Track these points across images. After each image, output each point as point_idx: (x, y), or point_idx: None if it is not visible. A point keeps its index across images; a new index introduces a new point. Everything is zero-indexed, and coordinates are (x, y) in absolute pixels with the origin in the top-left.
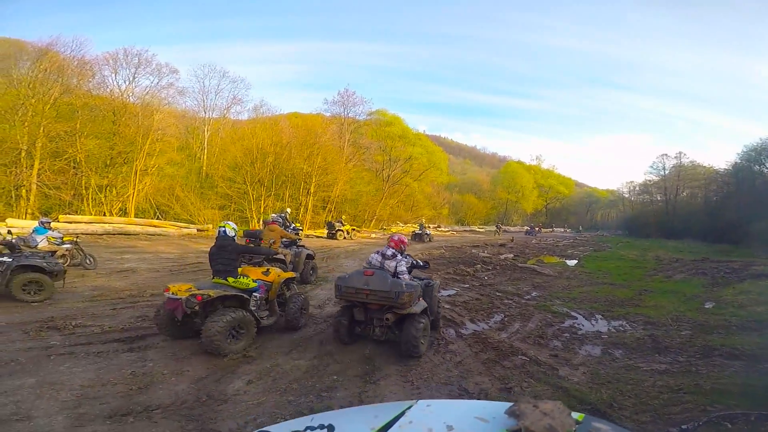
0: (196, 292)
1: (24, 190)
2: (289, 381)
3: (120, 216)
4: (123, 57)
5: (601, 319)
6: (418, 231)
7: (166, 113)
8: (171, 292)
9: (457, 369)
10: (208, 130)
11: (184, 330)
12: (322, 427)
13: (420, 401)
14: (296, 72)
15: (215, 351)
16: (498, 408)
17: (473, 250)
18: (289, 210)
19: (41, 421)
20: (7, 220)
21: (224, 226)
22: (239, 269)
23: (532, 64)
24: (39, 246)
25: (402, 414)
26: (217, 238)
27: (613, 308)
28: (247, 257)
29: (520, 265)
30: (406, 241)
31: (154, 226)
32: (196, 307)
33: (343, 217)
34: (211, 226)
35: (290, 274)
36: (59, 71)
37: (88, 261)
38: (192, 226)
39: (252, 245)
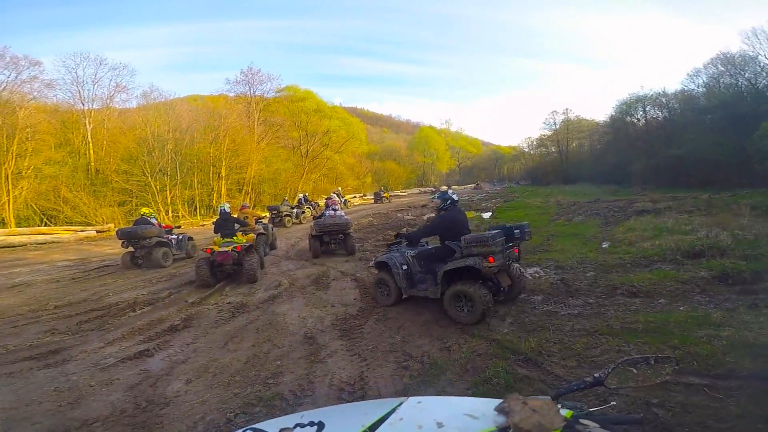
0: (235, 242)
1: None
2: (230, 374)
3: None
4: None
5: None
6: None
7: (34, 109)
8: (216, 250)
9: (399, 335)
10: (90, 123)
11: (216, 277)
12: (312, 424)
13: (411, 398)
14: (191, 54)
15: (254, 279)
16: (488, 405)
17: (398, 215)
18: (340, 189)
19: None
20: None
21: (224, 205)
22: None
23: (435, 31)
24: None
25: (392, 411)
26: (220, 214)
27: (527, 255)
28: (237, 228)
29: None
30: (337, 201)
31: (43, 234)
32: (235, 255)
33: (384, 186)
34: (112, 225)
35: (252, 238)
36: None
37: None
38: (89, 228)
39: (242, 220)
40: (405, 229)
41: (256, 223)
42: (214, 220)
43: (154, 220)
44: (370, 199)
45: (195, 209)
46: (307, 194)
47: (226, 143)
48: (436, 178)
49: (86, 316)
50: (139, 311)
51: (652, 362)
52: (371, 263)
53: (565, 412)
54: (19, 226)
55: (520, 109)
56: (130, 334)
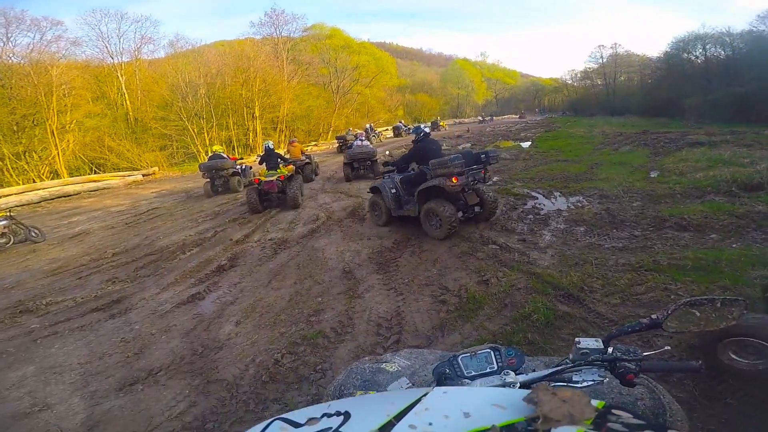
0: (277, 173)
1: None
2: (275, 313)
3: (52, 179)
4: None
5: (559, 196)
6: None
7: (65, 67)
8: (264, 179)
9: (435, 267)
10: (122, 75)
11: (263, 204)
12: (338, 413)
13: (437, 388)
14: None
15: (297, 203)
16: (516, 395)
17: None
18: (371, 123)
19: (60, 407)
20: None
21: (268, 142)
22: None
23: None
24: None
25: (418, 401)
26: (265, 149)
27: (569, 184)
28: (281, 161)
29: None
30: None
31: (95, 181)
32: (279, 184)
33: (439, 117)
34: (157, 168)
35: (291, 169)
36: None
37: (33, 233)
38: (135, 172)
39: (283, 155)
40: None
41: (302, 155)
42: (259, 154)
43: (226, 157)
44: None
45: (233, 148)
46: (372, 124)
47: (257, 84)
48: (472, 109)
49: (141, 261)
50: (188, 253)
51: (719, 305)
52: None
53: (596, 403)
54: (71, 176)
55: (560, 42)
56: (182, 277)
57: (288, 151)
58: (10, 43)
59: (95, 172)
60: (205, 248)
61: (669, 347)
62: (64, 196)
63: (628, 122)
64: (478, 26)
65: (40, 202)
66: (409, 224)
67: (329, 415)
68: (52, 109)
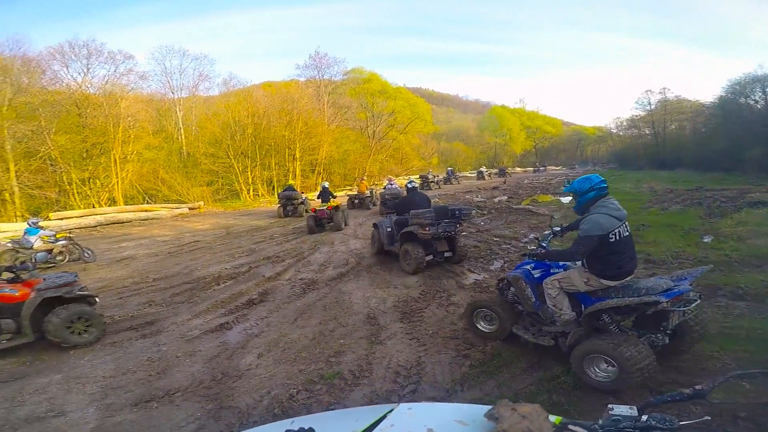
0: (326, 205)
1: (7, 194)
2: (297, 350)
3: (109, 205)
4: (69, 50)
5: None
6: (446, 176)
7: (132, 99)
8: (317, 208)
9: (461, 321)
10: (180, 110)
11: (318, 228)
12: (302, 430)
13: (401, 405)
14: (262, 42)
15: (340, 227)
16: (478, 411)
17: (467, 196)
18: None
19: (75, 414)
20: None
21: (324, 183)
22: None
23: (506, 8)
24: (34, 246)
25: (383, 417)
26: (322, 188)
27: None
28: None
29: (514, 207)
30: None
31: (146, 211)
32: (328, 213)
33: (484, 166)
34: (202, 203)
35: (338, 203)
36: (4, 72)
37: (86, 254)
38: (183, 205)
39: (332, 192)
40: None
41: (366, 190)
42: (317, 192)
43: (296, 190)
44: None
45: (273, 188)
46: (452, 168)
47: (300, 126)
48: (510, 159)
49: (178, 288)
50: (222, 285)
51: None
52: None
53: (554, 419)
54: (126, 204)
55: (605, 87)
56: (214, 306)
57: (358, 185)
58: (89, 75)
59: (147, 202)
60: (238, 282)
61: (709, 417)
62: (118, 223)
63: (679, 177)
64: (517, 71)
65: (96, 226)
66: (437, 276)
67: None
68: (118, 139)
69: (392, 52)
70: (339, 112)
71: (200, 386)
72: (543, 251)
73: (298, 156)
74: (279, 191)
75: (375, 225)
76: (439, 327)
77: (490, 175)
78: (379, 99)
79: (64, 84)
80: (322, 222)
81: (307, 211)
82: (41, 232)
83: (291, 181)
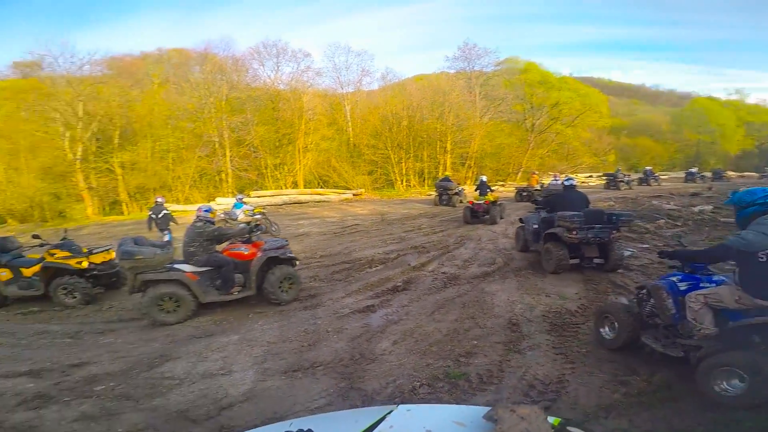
0: (484, 198)
1: (224, 174)
2: (429, 343)
3: (292, 188)
4: (263, 49)
5: None
6: (642, 176)
7: (312, 94)
8: (476, 202)
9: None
10: (347, 104)
11: (474, 220)
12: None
13: (401, 406)
14: (412, 35)
15: (495, 221)
16: (476, 412)
17: (654, 202)
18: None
19: (237, 375)
20: (216, 199)
21: (482, 177)
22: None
23: None
24: (238, 218)
25: (382, 419)
26: (480, 181)
27: None
28: (488, 190)
29: (722, 219)
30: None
31: (319, 194)
32: (485, 206)
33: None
34: (363, 190)
35: (496, 197)
36: (221, 71)
37: (273, 228)
38: (348, 191)
39: (487, 187)
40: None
41: (537, 185)
42: (476, 184)
43: (452, 181)
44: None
45: (423, 180)
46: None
47: (451, 119)
48: (719, 160)
49: (338, 267)
50: (374, 268)
51: None
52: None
53: (552, 420)
54: (305, 188)
55: None
56: (365, 288)
57: (528, 178)
58: (278, 72)
59: (321, 187)
60: (387, 267)
61: None
62: (297, 203)
63: None
64: (725, 59)
65: (282, 204)
66: (604, 291)
67: None
68: (301, 131)
69: (552, 40)
70: (492, 105)
71: (339, 363)
72: (674, 250)
73: (449, 149)
74: (430, 182)
75: (521, 220)
76: (596, 347)
77: (703, 179)
78: (539, 90)
79: (261, 81)
80: (478, 214)
81: (462, 202)
82: (244, 206)
83: (447, 173)
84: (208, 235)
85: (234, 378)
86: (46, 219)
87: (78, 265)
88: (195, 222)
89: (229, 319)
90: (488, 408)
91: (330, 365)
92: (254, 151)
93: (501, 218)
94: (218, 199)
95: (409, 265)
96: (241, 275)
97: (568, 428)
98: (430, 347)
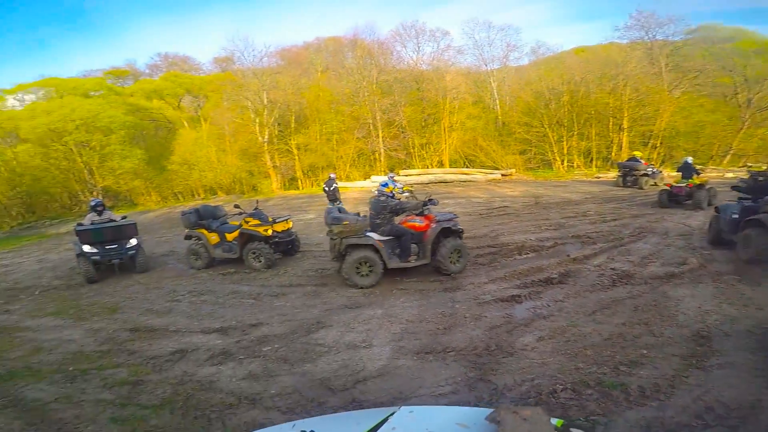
0: (686, 182)
1: (377, 154)
2: (583, 345)
3: (438, 167)
4: (403, 31)
5: None
6: None
7: (454, 73)
8: (674, 185)
9: None
10: (494, 81)
11: (670, 203)
12: None
13: (403, 407)
14: (564, 4)
15: (701, 207)
16: (479, 414)
17: None
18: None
19: (376, 350)
20: (371, 177)
21: (688, 158)
22: None
23: None
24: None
25: (384, 421)
26: (684, 162)
27: None
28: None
29: None
30: None
31: (465, 174)
32: (687, 190)
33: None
34: (514, 170)
35: (705, 180)
36: (370, 55)
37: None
38: (496, 171)
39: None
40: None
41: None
42: (679, 166)
43: (640, 161)
44: None
45: (590, 160)
46: None
47: (627, 93)
48: None
49: (482, 251)
50: (524, 255)
51: None
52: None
53: (555, 422)
54: (451, 167)
55: None
56: (511, 276)
57: None
58: (419, 53)
59: (466, 166)
60: (540, 256)
61: None
62: (442, 182)
63: None
64: None
65: (428, 183)
66: None
67: None
68: (446, 110)
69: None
70: (685, 77)
71: (473, 352)
72: None
73: (626, 126)
74: (599, 163)
75: (716, 209)
76: None
77: None
78: (756, 60)
79: (404, 63)
80: (679, 198)
81: (655, 184)
82: (395, 185)
83: (637, 153)
84: (391, 207)
85: (372, 352)
86: (243, 192)
87: (265, 233)
88: (378, 196)
89: (376, 293)
90: (491, 410)
91: (462, 352)
92: (403, 132)
93: (709, 204)
94: (373, 177)
95: (568, 255)
96: (416, 245)
97: (572, 429)
98: (583, 350)
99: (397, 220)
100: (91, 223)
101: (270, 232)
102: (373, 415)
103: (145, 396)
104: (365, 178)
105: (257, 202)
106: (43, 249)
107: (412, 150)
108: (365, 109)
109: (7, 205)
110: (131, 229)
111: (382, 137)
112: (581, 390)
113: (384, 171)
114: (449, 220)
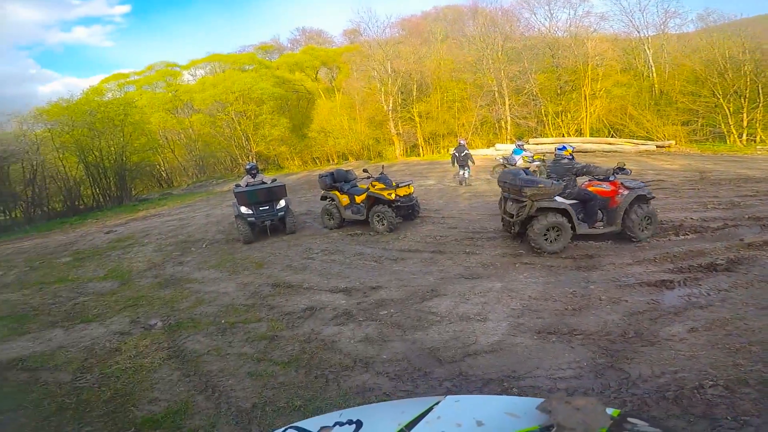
0: None
1: (503, 122)
2: (749, 341)
3: (577, 136)
4: None
5: None
6: None
7: (598, 40)
8: None
9: None
10: (649, 49)
11: None
12: (350, 422)
13: (448, 397)
14: None
15: None
16: (529, 404)
17: None
18: None
19: (491, 324)
20: (495, 145)
21: None
22: None
23: None
24: (517, 164)
25: (430, 410)
26: None
27: None
28: None
29: None
30: None
31: (609, 144)
32: None
33: None
34: (673, 142)
35: None
36: (493, 23)
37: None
38: (650, 142)
39: None
40: None
41: None
42: None
43: None
44: None
45: None
46: None
47: None
48: None
49: None
50: (682, 236)
51: None
52: None
53: (611, 411)
54: (592, 137)
55: None
56: (662, 258)
57: None
58: (554, 19)
59: (612, 136)
60: (703, 238)
61: None
62: (582, 152)
63: None
64: None
65: None
66: None
67: (341, 424)
68: (587, 77)
69: None
70: None
71: (605, 337)
72: None
73: None
74: None
75: None
76: None
77: None
78: None
79: (536, 30)
80: None
81: None
82: (523, 153)
83: None
84: (577, 171)
85: (487, 326)
86: (370, 158)
87: (389, 197)
88: (559, 160)
89: (496, 264)
90: (541, 399)
91: (592, 336)
92: (533, 99)
93: None
94: (497, 145)
95: (742, 240)
96: (600, 211)
97: (629, 419)
98: (748, 345)
99: (579, 183)
100: (246, 185)
101: (393, 196)
102: (418, 405)
103: (277, 352)
104: (488, 146)
105: (383, 167)
106: (211, 205)
107: (544, 118)
108: (489, 77)
109: (185, 166)
110: (281, 191)
111: (509, 105)
112: (736, 388)
113: (510, 139)
114: (641, 187)
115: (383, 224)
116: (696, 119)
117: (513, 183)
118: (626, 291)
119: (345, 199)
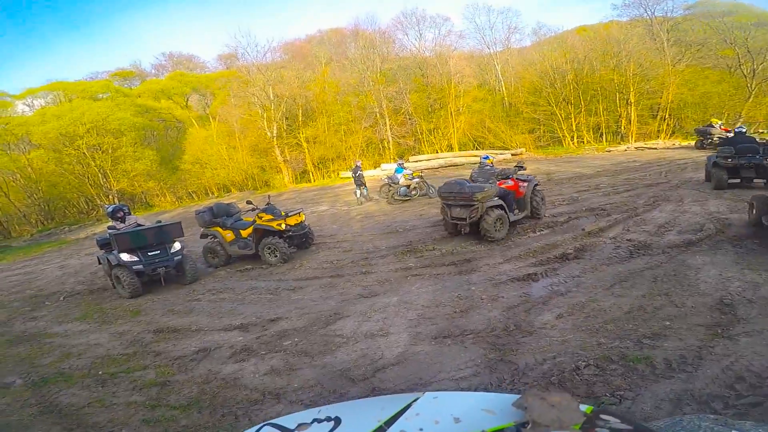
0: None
1: (385, 142)
2: (604, 320)
3: (447, 151)
4: (404, 19)
5: None
6: None
7: (457, 57)
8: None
9: None
10: (497, 64)
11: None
12: (329, 419)
13: (427, 393)
14: None
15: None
16: (505, 400)
17: None
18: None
19: (393, 337)
20: (381, 165)
21: (741, 127)
22: None
23: None
24: (400, 182)
25: (408, 406)
26: (737, 133)
27: None
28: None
29: None
30: None
31: (474, 156)
32: None
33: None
34: (524, 150)
35: None
36: (372, 45)
37: (430, 191)
38: (506, 151)
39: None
40: None
41: None
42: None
43: (715, 126)
44: None
45: (600, 135)
46: None
47: (632, 68)
48: None
49: None
50: (538, 233)
51: None
52: None
53: (584, 408)
54: (460, 150)
55: None
56: (526, 254)
57: None
58: (421, 39)
59: (476, 149)
60: (554, 232)
61: None
62: (453, 166)
63: None
64: None
65: (438, 168)
66: None
67: (320, 421)
68: (451, 95)
69: None
70: (687, 51)
71: (491, 333)
72: None
73: (633, 100)
74: (609, 137)
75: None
76: None
77: None
78: (757, 32)
79: (407, 50)
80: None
81: None
82: (404, 171)
83: (714, 120)
84: (498, 174)
85: (390, 340)
86: (256, 188)
87: (278, 227)
88: (483, 167)
89: (391, 280)
90: (517, 396)
91: (481, 334)
92: (410, 118)
93: None
94: (383, 165)
95: (583, 230)
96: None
97: (601, 416)
98: (604, 325)
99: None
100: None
101: (283, 226)
102: (397, 401)
103: (173, 396)
104: (375, 167)
105: (269, 197)
106: (64, 255)
107: (420, 136)
108: (371, 99)
109: (26, 213)
110: (176, 230)
111: (390, 125)
112: (605, 366)
113: (393, 158)
114: (532, 179)
115: (276, 256)
116: (539, 127)
117: (461, 192)
118: (501, 288)
119: (229, 235)
